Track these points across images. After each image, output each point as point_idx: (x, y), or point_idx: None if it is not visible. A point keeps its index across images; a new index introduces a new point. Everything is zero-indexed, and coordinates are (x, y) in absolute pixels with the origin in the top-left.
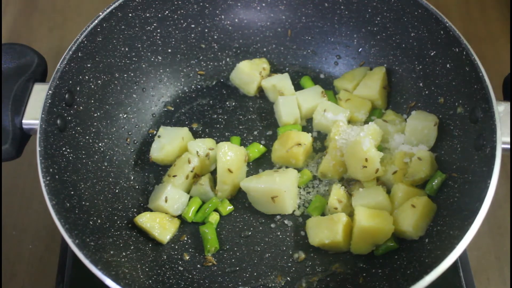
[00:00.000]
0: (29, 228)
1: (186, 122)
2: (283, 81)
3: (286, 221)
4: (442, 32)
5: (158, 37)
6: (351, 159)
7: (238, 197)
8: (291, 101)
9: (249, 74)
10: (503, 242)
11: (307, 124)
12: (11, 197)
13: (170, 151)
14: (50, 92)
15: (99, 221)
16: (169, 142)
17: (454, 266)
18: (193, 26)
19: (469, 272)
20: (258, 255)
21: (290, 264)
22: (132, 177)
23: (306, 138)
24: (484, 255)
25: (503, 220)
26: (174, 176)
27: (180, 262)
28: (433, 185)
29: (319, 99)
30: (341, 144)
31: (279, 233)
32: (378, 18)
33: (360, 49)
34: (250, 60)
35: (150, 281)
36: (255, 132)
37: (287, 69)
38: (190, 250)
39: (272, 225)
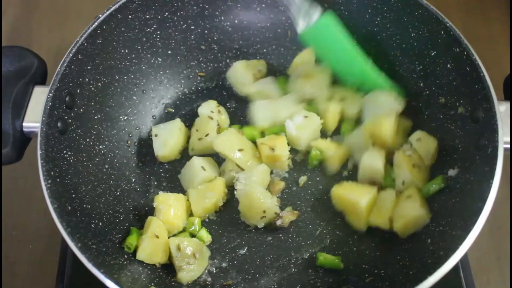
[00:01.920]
0: (29, 228)
1: (187, 124)
2: (268, 85)
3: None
4: (442, 32)
5: (158, 39)
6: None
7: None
8: (265, 106)
9: (243, 74)
10: (503, 243)
11: None
12: (11, 197)
13: (174, 145)
14: (50, 95)
15: (100, 224)
16: (170, 136)
17: (454, 267)
18: (192, 27)
19: (469, 272)
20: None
21: (293, 269)
22: (133, 180)
23: (282, 150)
24: (484, 256)
25: (503, 220)
26: (206, 135)
27: None
28: (431, 188)
29: (294, 107)
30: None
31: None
32: (378, 19)
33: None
34: (247, 61)
35: (153, 284)
36: None
37: (287, 70)
38: None
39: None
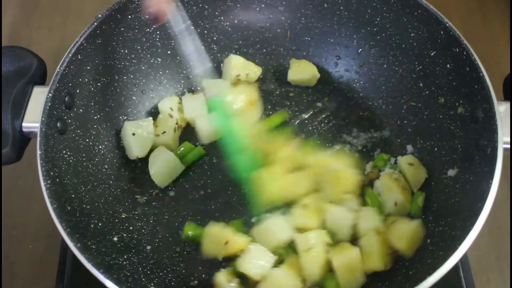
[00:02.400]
0: (29, 228)
1: None
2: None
3: None
4: (442, 32)
5: (157, 39)
6: None
7: None
8: None
9: (230, 69)
10: (503, 243)
11: None
12: (11, 197)
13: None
14: (50, 95)
15: (100, 224)
16: (148, 135)
17: (454, 267)
18: (192, 27)
19: (469, 272)
20: None
21: None
22: (132, 180)
23: None
24: (484, 255)
25: (503, 220)
26: (163, 132)
27: (181, 265)
28: (418, 203)
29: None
30: None
31: None
32: (378, 19)
33: (360, 49)
34: (246, 60)
35: (152, 284)
36: None
37: (287, 70)
38: (192, 253)
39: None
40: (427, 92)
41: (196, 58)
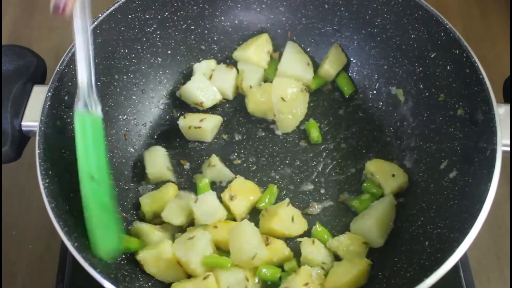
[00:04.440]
0: (29, 228)
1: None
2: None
3: None
4: (442, 33)
5: (157, 39)
6: None
7: None
8: None
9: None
10: (503, 242)
11: None
12: (11, 197)
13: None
14: (49, 94)
15: None
16: None
17: (454, 266)
18: (192, 27)
19: (469, 272)
20: None
21: None
22: (132, 179)
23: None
24: (484, 255)
25: (503, 220)
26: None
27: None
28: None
29: None
30: None
31: None
32: (378, 20)
33: (360, 50)
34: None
35: (150, 284)
36: (252, 135)
37: None
38: None
39: None
40: (427, 94)
41: (84, 67)
